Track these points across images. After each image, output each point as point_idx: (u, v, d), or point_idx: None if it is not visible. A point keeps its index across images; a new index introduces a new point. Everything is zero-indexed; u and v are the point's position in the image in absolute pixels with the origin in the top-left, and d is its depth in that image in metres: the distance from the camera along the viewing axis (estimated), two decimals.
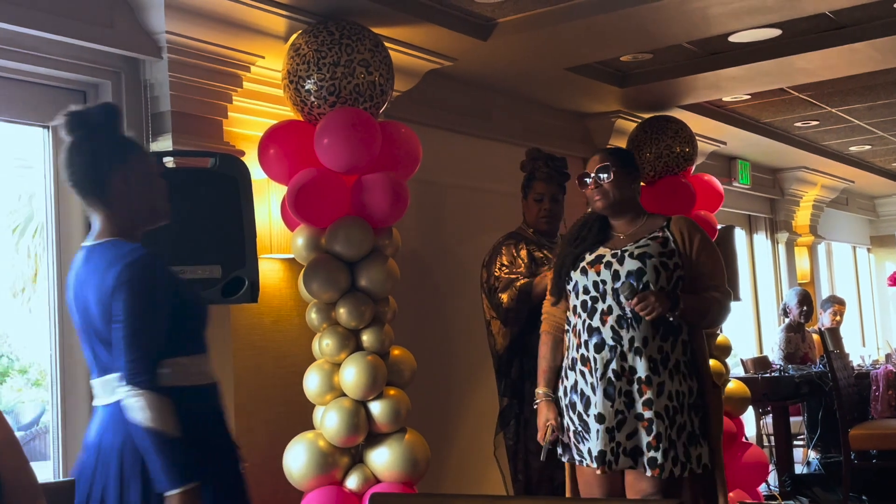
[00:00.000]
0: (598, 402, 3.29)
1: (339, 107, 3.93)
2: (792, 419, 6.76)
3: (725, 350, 5.63)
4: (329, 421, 3.84)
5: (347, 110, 3.91)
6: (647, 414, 3.25)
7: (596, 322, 3.34)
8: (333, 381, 3.90)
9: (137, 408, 2.38)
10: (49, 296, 3.82)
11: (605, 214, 3.50)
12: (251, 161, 3.99)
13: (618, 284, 3.31)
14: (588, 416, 3.32)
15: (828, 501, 6.22)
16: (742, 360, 7.23)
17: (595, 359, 3.31)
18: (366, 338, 3.95)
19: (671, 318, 3.30)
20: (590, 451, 3.32)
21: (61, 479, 3.50)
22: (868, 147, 9.02)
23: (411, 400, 4.00)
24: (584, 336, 3.36)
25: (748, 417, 6.76)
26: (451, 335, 5.38)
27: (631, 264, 3.33)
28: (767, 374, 6.45)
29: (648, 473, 3.26)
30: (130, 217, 2.63)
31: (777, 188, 9.66)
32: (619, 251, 3.39)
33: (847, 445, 5.67)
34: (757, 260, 9.59)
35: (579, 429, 3.37)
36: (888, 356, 7.08)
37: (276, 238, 4.30)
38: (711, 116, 6.98)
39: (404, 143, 4.13)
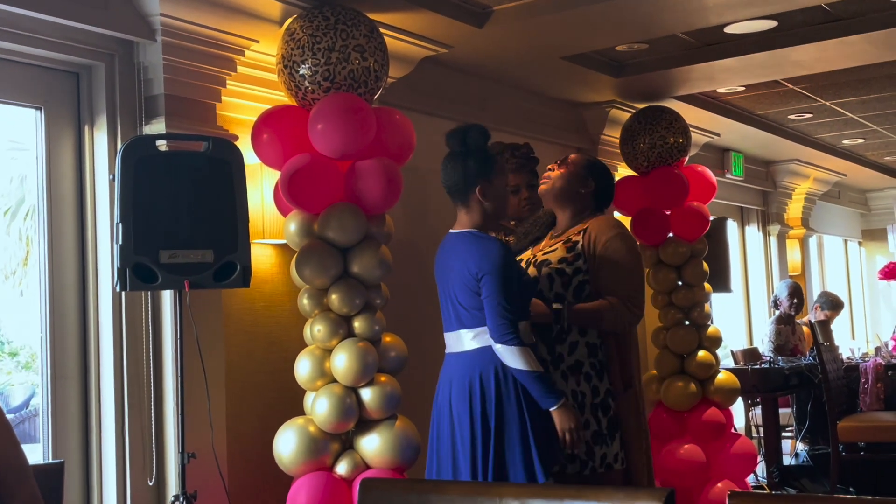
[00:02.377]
0: None
1: (334, 92, 3.92)
2: (781, 411, 6.78)
3: (716, 341, 5.65)
4: (320, 407, 3.84)
5: (342, 96, 3.90)
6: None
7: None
8: (325, 367, 3.90)
9: (512, 356, 3.22)
10: (40, 278, 3.81)
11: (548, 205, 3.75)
12: (244, 146, 3.98)
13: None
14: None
15: (815, 493, 6.25)
16: (732, 352, 7.25)
17: None
18: (357, 324, 3.94)
19: (562, 325, 3.51)
20: (615, 457, 3.55)
21: (51, 461, 3.50)
22: (861, 140, 9.04)
23: (402, 387, 4.00)
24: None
25: (737, 409, 6.79)
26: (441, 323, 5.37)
27: (533, 271, 3.61)
28: (757, 366, 6.47)
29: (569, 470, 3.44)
30: (484, 217, 3.42)
31: (770, 180, 9.67)
32: (534, 256, 3.68)
33: (835, 437, 5.70)
34: (749, 252, 9.61)
35: (603, 432, 3.56)
36: (877, 349, 7.10)
37: (269, 223, 4.29)
38: (706, 108, 6.98)
39: (399, 129, 4.12)
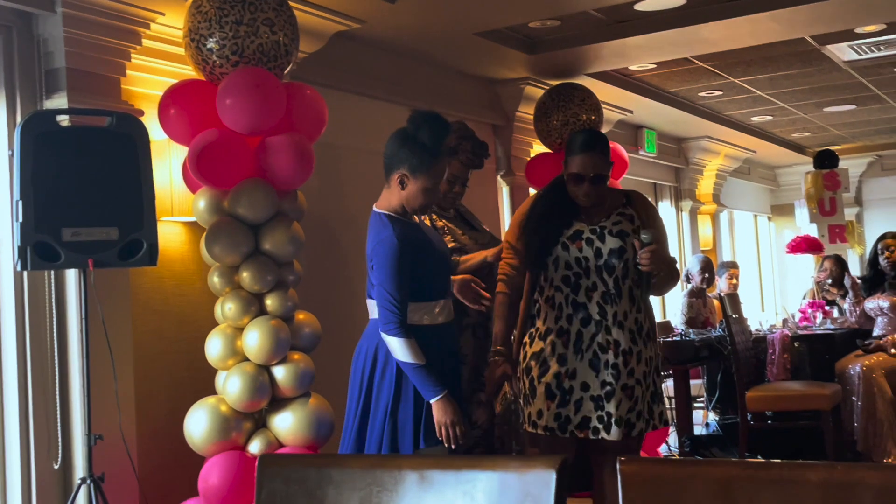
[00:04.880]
0: (577, 372, 3.42)
1: (243, 66, 3.85)
2: (692, 382, 6.93)
3: None
4: (231, 386, 3.80)
5: (251, 70, 3.83)
6: (631, 382, 3.42)
7: (581, 297, 3.45)
8: (236, 345, 3.86)
9: (393, 347, 3.22)
10: None
11: (583, 205, 3.54)
12: (151, 121, 3.90)
13: (600, 262, 3.44)
14: (540, 382, 3.45)
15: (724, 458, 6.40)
16: None
17: (580, 332, 3.43)
18: (269, 302, 3.91)
19: (653, 280, 3.44)
20: (539, 414, 3.44)
21: None
22: (769, 118, 9.26)
23: (316, 364, 3.98)
24: (568, 310, 3.46)
25: None
26: (358, 300, 5.35)
27: (612, 242, 3.45)
28: (669, 339, 6.60)
29: (617, 436, 3.39)
30: (399, 201, 3.36)
31: (682, 157, 9.85)
32: (597, 227, 3.49)
33: (744, 407, 5.84)
34: None
35: (527, 392, 3.49)
36: (785, 321, 7.30)
37: (178, 200, 4.21)
38: (618, 85, 7.06)
39: (310, 105, 4.08)
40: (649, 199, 3.66)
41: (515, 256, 3.57)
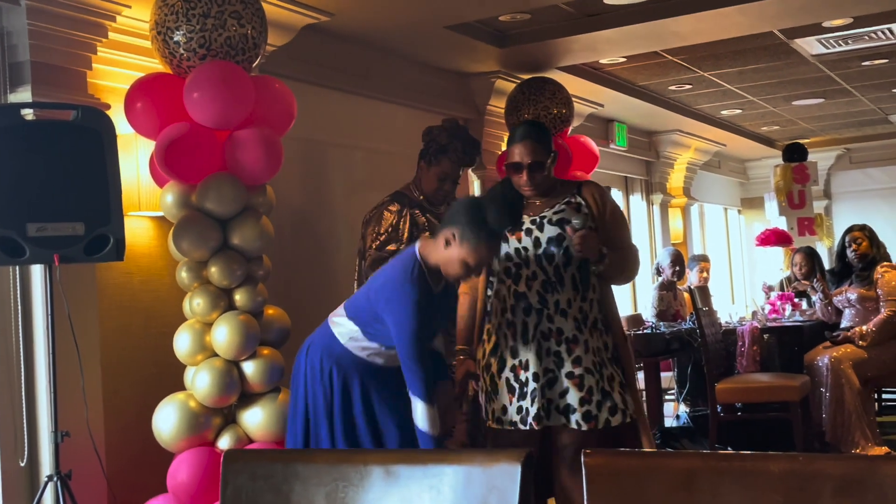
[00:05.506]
0: (529, 362, 3.40)
1: (210, 60, 3.82)
2: (663, 374, 6.96)
3: None
4: (200, 381, 3.77)
5: (218, 63, 3.80)
6: (577, 371, 3.38)
7: (522, 287, 3.44)
8: (205, 340, 3.84)
9: (418, 413, 3.19)
10: None
11: (527, 196, 3.54)
12: (117, 115, 3.86)
13: (539, 251, 3.43)
14: (500, 377, 3.44)
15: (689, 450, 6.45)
16: None
17: (525, 322, 3.42)
18: (238, 297, 3.89)
19: (597, 271, 3.43)
20: (503, 409, 3.43)
21: None
22: (739, 111, 9.31)
23: (285, 360, 3.96)
24: (511, 301, 3.46)
25: None
26: (330, 295, 5.34)
27: (550, 231, 3.44)
28: (640, 331, 6.63)
29: (584, 428, 3.37)
30: (437, 262, 3.29)
31: (653, 151, 9.90)
32: (537, 218, 3.49)
33: (713, 399, 5.88)
34: (633, 220, 9.83)
35: (489, 389, 3.49)
36: (754, 313, 7.35)
37: (145, 195, 4.18)
38: (589, 78, 7.08)
39: (278, 98, 4.05)
40: (603, 188, 3.63)
41: None
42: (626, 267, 3.57)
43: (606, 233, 3.50)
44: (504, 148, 6.73)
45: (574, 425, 3.37)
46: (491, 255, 3.28)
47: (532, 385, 3.38)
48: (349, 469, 1.59)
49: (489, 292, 3.56)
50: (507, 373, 3.44)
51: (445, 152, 4.30)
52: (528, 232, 3.47)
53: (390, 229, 4.27)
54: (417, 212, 4.34)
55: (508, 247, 3.47)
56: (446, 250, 3.18)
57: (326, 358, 3.36)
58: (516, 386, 3.42)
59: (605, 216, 3.51)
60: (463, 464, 1.52)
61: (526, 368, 3.41)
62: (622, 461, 1.45)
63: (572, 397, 3.37)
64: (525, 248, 3.46)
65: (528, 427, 3.38)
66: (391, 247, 4.21)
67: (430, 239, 3.29)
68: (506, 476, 1.45)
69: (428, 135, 4.38)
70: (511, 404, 3.42)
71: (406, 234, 4.23)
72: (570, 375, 3.38)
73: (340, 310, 3.43)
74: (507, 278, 3.48)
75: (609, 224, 3.51)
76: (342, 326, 3.37)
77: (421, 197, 4.39)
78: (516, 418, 3.40)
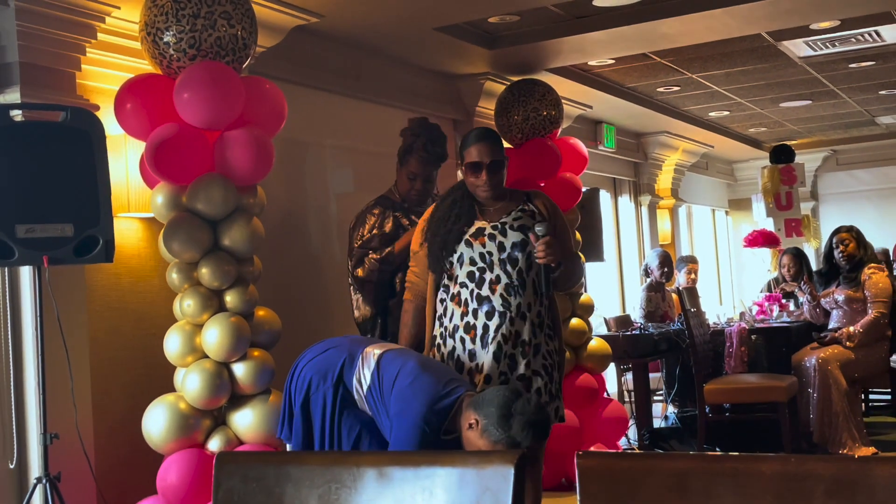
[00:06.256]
0: (484, 365, 3.44)
1: (200, 60, 3.82)
2: (651, 375, 6.99)
3: (588, 309, 5.77)
4: (191, 383, 3.77)
5: (208, 64, 3.80)
6: (528, 373, 3.46)
7: (485, 291, 3.49)
8: (195, 342, 3.83)
9: None
10: None
11: (484, 200, 3.60)
12: (107, 116, 3.85)
13: (503, 255, 3.48)
14: None
15: (678, 452, 6.47)
16: (605, 319, 7.43)
17: (486, 325, 3.46)
18: (229, 298, 3.88)
19: (553, 277, 3.46)
20: None
21: None
22: (727, 113, 9.35)
23: (276, 361, 3.96)
24: (473, 304, 3.49)
25: (609, 374, 6.97)
26: (321, 296, 5.35)
27: (514, 236, 3.51)
28: (628, 333, 6.65)
29: None
30: (456, 425, 3.19)
31: (641, 152, 9.92)
32: (498, 224, 3.55)
33: (702, 399, 5.90)
34: (621, 222, 9.85)
35: None
36: (742, 314, 7.38)
37: (135, 196, 4.17)
38: (578, 80, 7.09)
39: (269, 99, 4.05)
40: (549, 198, 3.72)
41: (418, 264, 3.67)
42: (574, 274, 3.65)
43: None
44: None
45: None
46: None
47: (483, 388, 3.40)
48: (342, 471, 1.59)
49: (443, 295, 3.59)
50: (465, 376, 3.46)
51: (411, 151, 4.36)
52: (492, 237, 3.53)
53: (374, 230, 4.32)
54: (399, 214, 4.37)
55: (473, 251, 3.52)
56: (468, 431, 3.08)
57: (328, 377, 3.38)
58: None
59: (555, 226, 3.58)
60: (456, 465, 1.53)
61: (480, 371, 3.46)
62: (615, 462, 1.46)
63: None
64: (490, 253, 3.51)
65: None
66: (366, 249, 4.28)
67: (470, 403, 3.12)
68: (499, 477, 1.45)
69: (401, 136, 4.45)
70: None
71: (377, 242, 4.29)
72: (521, 378, 3.45)
73: (372, 360, 3.34)
74: (470, 283, 3.51)
75: (559, 233, 3.58)
76: (364, 372, 3.33)
77: (399, 197, 4.42)
78: None
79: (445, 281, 3.59)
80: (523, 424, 2.97)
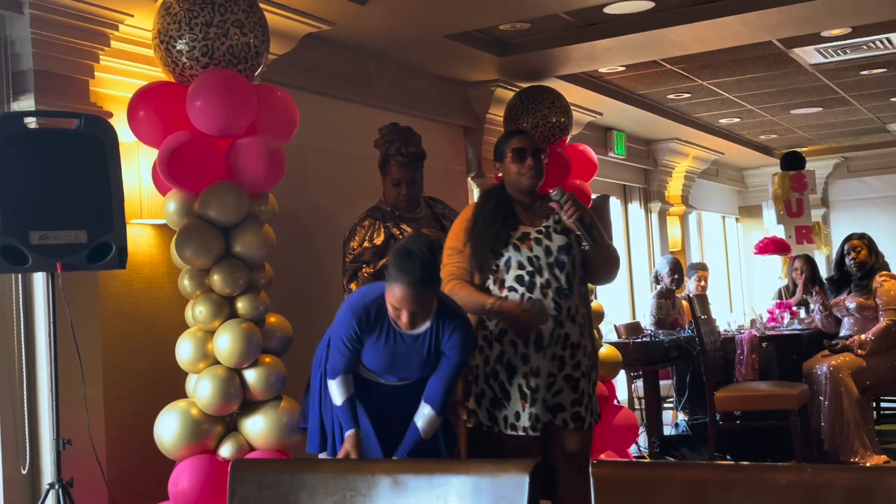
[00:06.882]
0: (541, 369, 3.50)
1: (213, 68, 3.83)
2: (661, 382, 6.98)
3: (599, 316, 5.76)
4: (202, 389, 3.78)
5: (221, 72, 3.81)
6: (576, 374, 3.55)
7: (537, 294, 3.52)
8: (207, 348, 3.84)
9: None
10: None
11: (527, 191, 3.64)
12: (120, 123, 3.87)
13: (550, 259, 3.53)
14: (512, 384, 3.51)
15: (694, 461, 6.45)
16: (616, 326, 7.43)
17: (541, 329, 3.49)
18: (240, 305, 3.89)
19: (594, 242, 3.50)
20: (517, 416, 3.51)
21: None
22: (737, 120, 9.33)
23: (287, 368, 3.97)
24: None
25: (620, 381, 6.96)
26: (332, 302, 5.34)
27: (559, 239, 3.57)
28: (638, 340, 6.64)
29: (572, 427, 3.56)
30: None
31: (651, 159, 9.91)
32: (542, 228, 3.61)
33: (712, 407, 5.89)
34: (631, 228, 9.84)
35: (498, 396, 3.54)
36: (753, 321, 7.36)
37: (147, 203, 4.19)
38: (588, 87, 7.09)
39: (280, 107, 4.06)
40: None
41: (462, 261, 3.63)
42: (609, 255, 3.67)
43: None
44: None
45: (560, 422, 3.55)
46: (405, 301, 3.11)
47: (542, 391, 3.50)
48: (356, 479, 1.59)
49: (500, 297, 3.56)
50: (518, 379, 3.51)
51: (388, 159, 4.34)
52: (538, 241, 3.58)
53: (364, 242, 4.30)
54: (390, 224, 4.34)
55: (521, 255, 3.55)
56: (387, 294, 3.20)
57: None
58: (528, 392, 3.50)
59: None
60: (470, 474, 1.53)
61: (537, 375, 3.50)
62: (630, 472, 1.46)
63: (565, 398, 3.54)
64: (537, 257, 3.54)
65: (537, 432, 3.51)
66: (357, 264, 4.26)
67: None
68: (514, 486, 1.46)
69: (375, 147, 4.42)
70: (524, 410, 3.51)
71: (369, 253, 4.27)
72: (567, 378, 3.54)
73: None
74: (519, 286, 3.53)
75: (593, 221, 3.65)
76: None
77: (391, 208, 4.39)
78: (527, 423, 3.50)
79: (489, 284, 3.60)
80: (398, 263, 3.08)
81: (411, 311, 3.11)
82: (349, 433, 3.29)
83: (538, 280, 3.53)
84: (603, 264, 3.66)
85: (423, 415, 3.29)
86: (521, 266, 3.54)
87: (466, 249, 3.63)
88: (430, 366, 3.31)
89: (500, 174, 3.76)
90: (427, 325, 3.23)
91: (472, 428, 3.65)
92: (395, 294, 3.10)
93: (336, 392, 3.33)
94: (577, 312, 3.58)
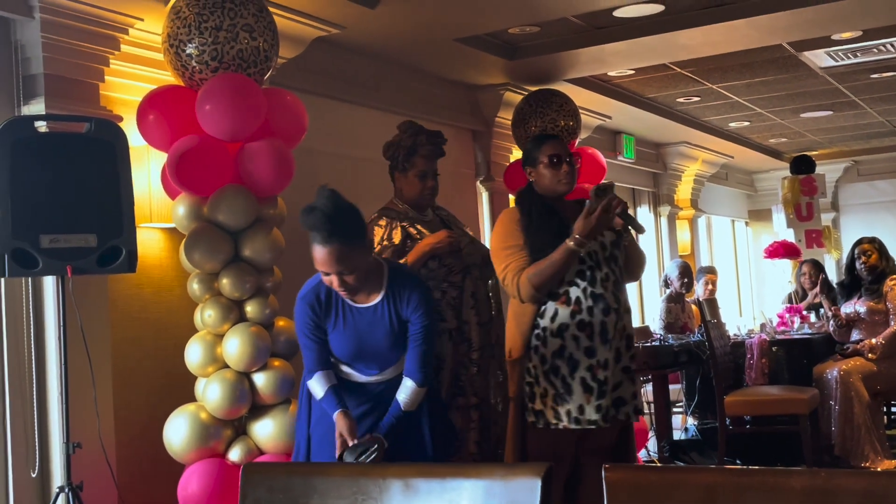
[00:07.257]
0: (609, 361, 3.49)
1: (222, 72, 3.84)
2: (671, 387, 6.95)
3: None
4: (211, 393, 3.78)
5: (230, 76, 3.82)
6: (632, 365, 3.59)
7: (598, 288, 3.53)
8: (216, 352, 3.84)
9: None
10: None
11: (563, 194, 3.65)
12: (129, 127, 3.88)
13: (606, 253, 3.57)
14: (574, 378, 3.48)
15: (705, 465, 6.43)
16: None
17: (603, 322, 3.50)
18: (249, 309, 3.89)
19: (640, 229, 3.51)
20: (580, 409, 3.47)
21: None
22: (747, 123, 9.32)
23: (296, 371, 3.96)
24: (588, 302, 3.51)
25: None
26: None
27: (609, 235, 3.60)
28: (648, 344, 6.62)
29: (634, 420, 3.60)
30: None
31: (660, 163, 9.90)
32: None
33: (722, 411, 5.86)
34: None
35: (560, 391, 3.51)
36: (762, 326, 7.33)
37: (157, 207, 4.19)
38: (597, 90, 7.09)
39: (290, 110, 4.07)
40: None
41: (524, 256, 3.56)
42: (637, 252, 3.74)
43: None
44: (512, 160, 6.76)
45: (622, 416, 3.54)
46: (325, 262, 3.07)
47: (611, 382, 3.49)
48: (368, 483, 1.59)
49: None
50: (581, 372, 3.48)
51: (416, 151, 4.28)
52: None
53: (384, 241, 4.25)
54: (406, 224, 4.31)
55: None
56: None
57: None
58: (594, 385, 3.47)
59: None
60: (482, 478, 1.52)
61: (605, 367, 3.48)
62: (643, 476, 1.45)
63: (626, 390, 3.54)
64: (595, 252, 3.54)
65: (609, 423, 3.49)
66: (386, 255, 4.22)
67: None
68: (526, 490, 1.45)
69: (389, 148, 4.35)
70: (589, 403, 3.47)
71: (390, 252, 4.23)
72: (626, 370, 3.55)
73: None
74: (581, 281, 3.53)
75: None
76: None
77: (403, 206, 4.34)
78: (596, 416, 3.46)
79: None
80: (304, 222, 3.03)
81: (336, 271, 3.02)
82: (337, 413, 3.11)
83: (598, 274, 3.54)
84: (638, 258, 3.74)
85: (405, 387, 3.20)
86: (581, 261, 3.54)
87: (526, 245, 3.59)
88: (400, 338, 3.22)
89: (532, 178, 3.73)
90: (381, 294, 3.19)
91: (542, 428, 3.61)
92: (315, 259, 3.04)
93: (317, 387, 3.20)
94: (630, 305, 3.65)
